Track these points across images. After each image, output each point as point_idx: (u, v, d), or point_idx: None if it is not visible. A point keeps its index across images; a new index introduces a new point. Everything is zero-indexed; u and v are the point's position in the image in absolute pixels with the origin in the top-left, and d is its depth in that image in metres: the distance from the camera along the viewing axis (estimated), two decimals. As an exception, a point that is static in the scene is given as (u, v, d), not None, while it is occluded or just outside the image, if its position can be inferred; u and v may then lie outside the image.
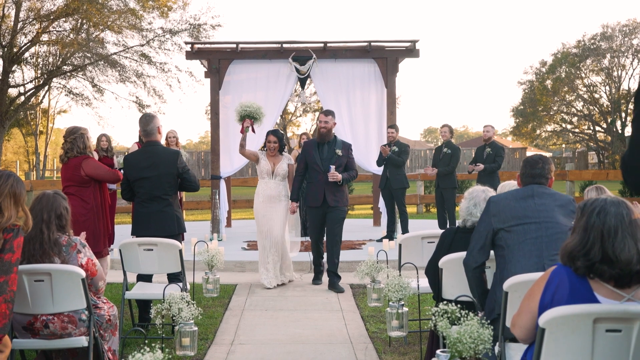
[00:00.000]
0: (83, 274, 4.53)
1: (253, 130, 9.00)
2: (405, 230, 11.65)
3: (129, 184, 6.69)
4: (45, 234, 4.66)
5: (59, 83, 30.32)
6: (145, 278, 6.67)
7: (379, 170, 12.66)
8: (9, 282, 4.14)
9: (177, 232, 6.54)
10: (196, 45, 13.90)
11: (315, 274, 8.90)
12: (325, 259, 8.71)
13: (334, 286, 8.38)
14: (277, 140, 8.70)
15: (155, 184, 6.52)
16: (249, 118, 8.77)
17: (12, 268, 4.18)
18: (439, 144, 12.82)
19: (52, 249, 4.66)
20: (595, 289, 2.97)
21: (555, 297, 3.02)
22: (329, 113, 8.80)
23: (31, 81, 28.77)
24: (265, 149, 8.78)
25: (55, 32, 26.94)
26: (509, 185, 5.14)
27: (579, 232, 3.01)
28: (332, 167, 8.33)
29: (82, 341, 4.54)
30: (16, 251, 4.22)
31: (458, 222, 5.04)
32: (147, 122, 6.66)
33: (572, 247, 3.01)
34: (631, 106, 39.87)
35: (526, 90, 45.31)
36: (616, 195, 3.20)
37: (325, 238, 8.66)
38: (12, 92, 28.30)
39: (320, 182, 8.39)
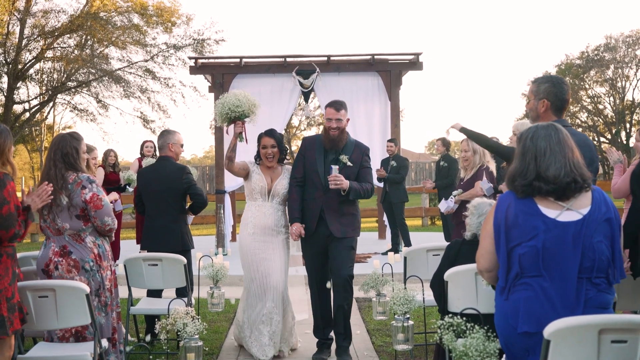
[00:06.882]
0: (87, 289, 4.54)
1: (246, 140, 6.29)
2: (407, 242, 11.63)
3: (141, 197, 6.75)
4: (52, 171, 4.94)
5: (64, 99, 30.47)
6: (156, 293, 6.69)
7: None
8: (19, 228, 4.32)
9: (181, 249, 6.40)
10: (200, 60, 14.00)
11: (319, 347, 6.18)
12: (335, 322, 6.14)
13: (342, 354, 6.02)
14: (276, 144, 6.31)
15: (161, 198, 6.51)
16: (240, 120, 6.14)
17: (15, 217, 4.29)
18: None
19: (58, 185, 4.89)
20: (539, 203, 3.29)
21: (508, 213, 3.31)
22: (341, 106, 6.05)
23: (36, 97, 28.93)
24: (259, 161, 6.38)
25: (59, 48, 27.10)
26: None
27: (518, 158, 3.39)
28: (335, 167, 5.85)
29: (87, 357, 4.52)
30: (11, 199, 4.29)
31: (466, 235, 4.94)
32: (159, 137, 6.78)
33: (513, 171, 3.38)
34: (636, 117, 40.04)
35: (530, 102, 45.16)
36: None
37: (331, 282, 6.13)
38: (17, 108, 28.45)
39: (318, 200, 5.99)
